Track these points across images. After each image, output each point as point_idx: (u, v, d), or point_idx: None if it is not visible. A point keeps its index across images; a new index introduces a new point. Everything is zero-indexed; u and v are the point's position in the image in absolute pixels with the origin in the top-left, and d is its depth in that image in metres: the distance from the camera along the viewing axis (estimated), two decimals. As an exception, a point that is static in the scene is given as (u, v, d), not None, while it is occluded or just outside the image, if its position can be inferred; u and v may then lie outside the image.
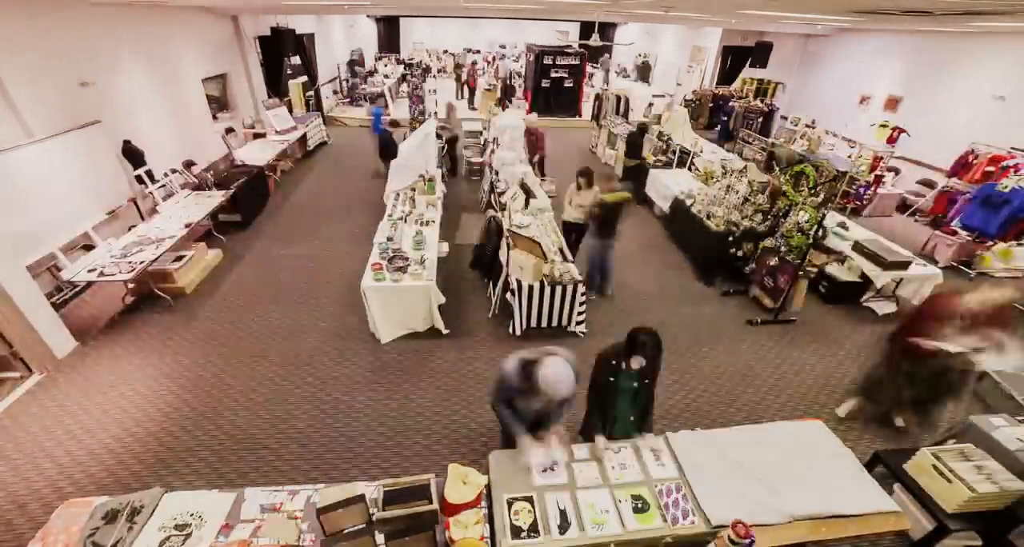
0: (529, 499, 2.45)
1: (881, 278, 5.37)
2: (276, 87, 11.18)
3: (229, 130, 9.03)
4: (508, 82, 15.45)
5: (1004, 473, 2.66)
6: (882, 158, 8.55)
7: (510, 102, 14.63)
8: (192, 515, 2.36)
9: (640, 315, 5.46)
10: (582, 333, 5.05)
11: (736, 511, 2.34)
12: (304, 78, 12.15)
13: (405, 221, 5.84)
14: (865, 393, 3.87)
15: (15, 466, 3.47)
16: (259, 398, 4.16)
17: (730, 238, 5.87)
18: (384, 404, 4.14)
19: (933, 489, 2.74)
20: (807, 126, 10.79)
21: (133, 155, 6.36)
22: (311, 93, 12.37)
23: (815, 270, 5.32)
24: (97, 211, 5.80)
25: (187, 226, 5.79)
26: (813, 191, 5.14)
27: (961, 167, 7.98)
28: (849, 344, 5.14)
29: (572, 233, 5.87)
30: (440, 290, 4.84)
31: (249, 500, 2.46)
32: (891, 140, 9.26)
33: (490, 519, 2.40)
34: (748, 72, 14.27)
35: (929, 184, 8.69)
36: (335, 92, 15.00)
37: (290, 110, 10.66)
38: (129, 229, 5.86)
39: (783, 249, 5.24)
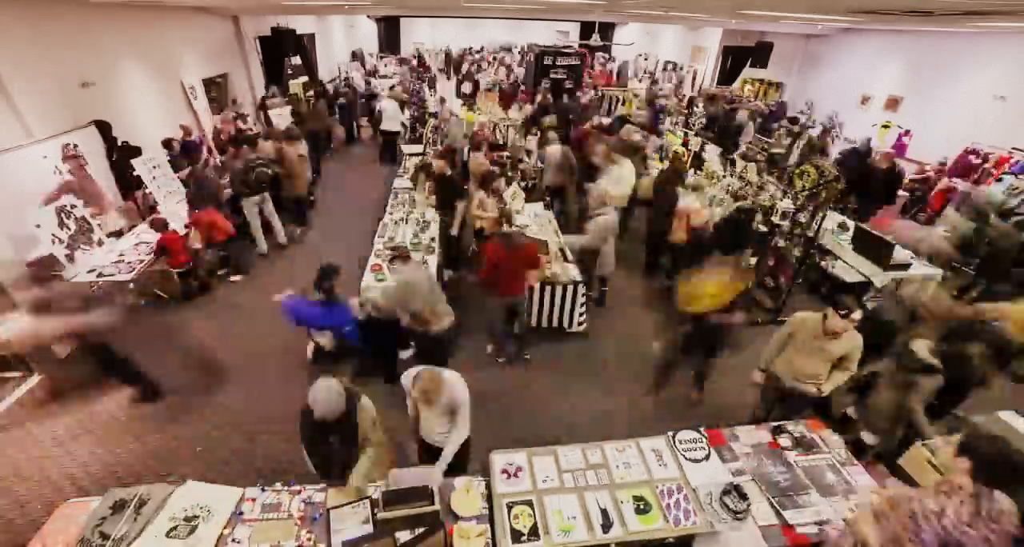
0: (529, 503, 2.45)
1: (880, 278, 5.36)
2: (277, 87, 11.17)
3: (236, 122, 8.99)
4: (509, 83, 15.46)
5: None
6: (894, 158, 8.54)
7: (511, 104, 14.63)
8: (201, 508, 2.38)
9: (641, 315, 5.46)
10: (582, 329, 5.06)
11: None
12: (305, 78, 12.15)
13: (406, 221, 5.83)
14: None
15: (16, 466, 3.47)
16: (260, 397, 4.16)
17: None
18: (384, 404, 4.12)
19: (928, 484, 2.75)
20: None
21: (132, 155, 6.34)
22: (312, 93, 12.35)
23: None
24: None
25: (188, 226, 5.78)
26: (814, 191, 5.14)
27: (964, 167, 7.99)
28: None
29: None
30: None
31: (249, 500, 2.46)
32: (901, 145, 9.23)
33: (490, 521, 2.40)
34: (748, 72, 14.26)
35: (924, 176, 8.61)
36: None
37: (295, 110, 10.65)
38: (130, 229, 5.87)
39: (780, 243, 5.25)
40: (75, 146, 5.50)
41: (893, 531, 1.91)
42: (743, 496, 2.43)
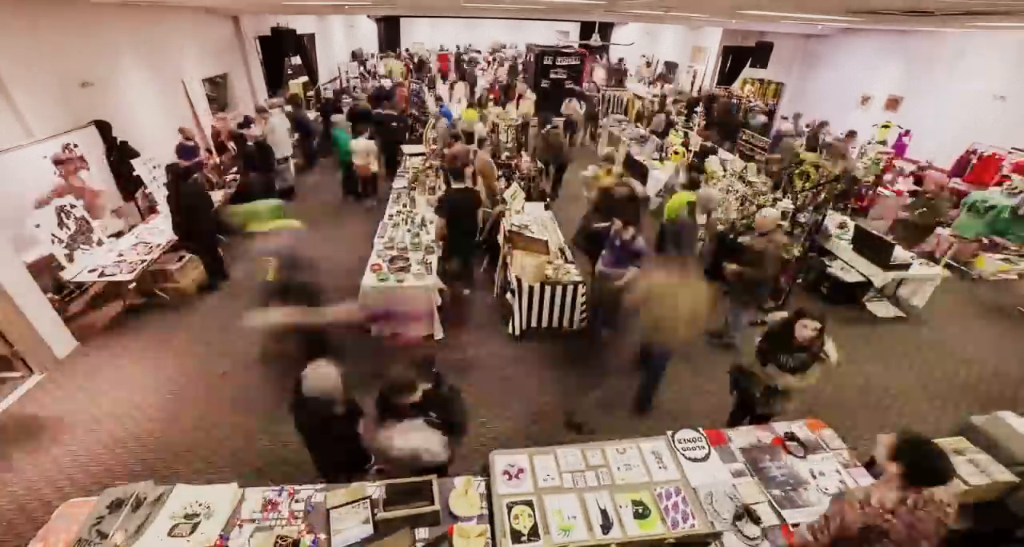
0: (529, 503, 2.45)
1: (880, 278, 5.36)
2: (277, 87, 11.18)
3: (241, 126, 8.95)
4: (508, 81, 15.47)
5: (995, 465, 2.69)
6: (893, 159, 8.55)
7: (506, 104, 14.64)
8: (201, 504, 2.39)
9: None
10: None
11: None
12: (305, 78, 12.15)
13: (406, 222, 5.82)
14: None
15: (16, 466, 3.47)
16: (260, 397, 4.15)
17: (731, 235, 5.87)
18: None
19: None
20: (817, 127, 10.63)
21: (130, 156, 6.34)
22: (312, 93, 12.37)
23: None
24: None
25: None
26: (814, 190, 5.15)
27: (962, 167, 7.99)
28: (848, 345, 5.13)
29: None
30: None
31: (249, 500, 2.46)
32: (901, 145, 9.23)
33: (490, 521, 2.40)
34: (748, 72, 14.26)
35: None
36: (337, 91, 14.77)
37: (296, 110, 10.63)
38: (129, 229, 5.87)
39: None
40: (74, 146, 5.50)
41: (825, 515, 2.03)
42: (756, 520, 2.35)
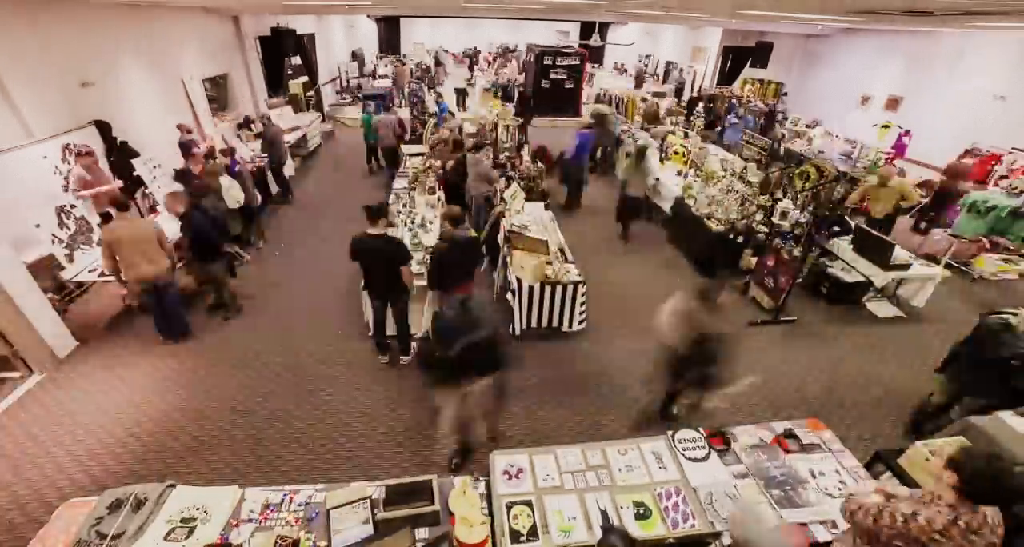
0: (528, 503, 2.45)
1: (880, 279, 5.36)
2: (277, 87, 11.19)
3: (241, 126, 8.96)
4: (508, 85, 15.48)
5: None
6: (893, 158, 8.55)
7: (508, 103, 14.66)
8: (199, 509, 2.38)
9: (640, 314, 5.46)
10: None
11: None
12: (305, 78, 12.16)
13: (406, 224, 5.82)
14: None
15: (16, 466, 3.47)
16: (259, 398, 4.16)
17: (731, 235, 5.87)
18: (384, 404, 4.13)
19: (927, 483, 2.75)
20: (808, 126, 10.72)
21: (130, 156, 6.35)
22: (312, 93, 12.39)
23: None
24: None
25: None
26: (814, 190, 5.15)
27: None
28: (849, 345, 5.14)
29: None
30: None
31: (249, 500, 2.46)
32: (900, 145, 9.23)
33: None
34: (748, 72, 14.27)
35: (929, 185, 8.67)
36: (338, 92, 15.07)
37: (295, 109, 10.65)
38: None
39: (783, 246, 5.24)
40: (74, 146, 5.50)
41: (862, 528, 1.90)
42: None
